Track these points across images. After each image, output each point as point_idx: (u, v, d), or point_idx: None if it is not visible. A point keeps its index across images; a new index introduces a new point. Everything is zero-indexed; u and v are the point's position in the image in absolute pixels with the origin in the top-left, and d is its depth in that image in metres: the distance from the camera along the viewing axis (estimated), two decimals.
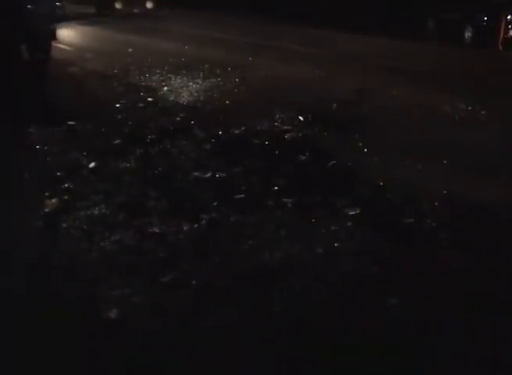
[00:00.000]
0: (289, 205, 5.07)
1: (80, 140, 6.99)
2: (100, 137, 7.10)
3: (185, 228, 4.63)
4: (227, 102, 8.88)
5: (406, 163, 6.20)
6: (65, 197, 5.26)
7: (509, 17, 15.64)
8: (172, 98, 9.20)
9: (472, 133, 7.36)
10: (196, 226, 4.69)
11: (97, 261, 4.12)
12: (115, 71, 11.63)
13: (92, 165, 6.10)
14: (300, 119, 7.80)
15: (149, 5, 27.00)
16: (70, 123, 7.59)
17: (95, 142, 6.87)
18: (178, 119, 7.89)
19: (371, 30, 17.25)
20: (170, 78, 10.71)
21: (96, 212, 4.97)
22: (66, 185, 5.53)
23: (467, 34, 16.22)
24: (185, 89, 9.80)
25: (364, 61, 12.51)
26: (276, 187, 5.43)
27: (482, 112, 8.27)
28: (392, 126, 7.59)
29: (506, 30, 15.60)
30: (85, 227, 4.65)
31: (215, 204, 5.09)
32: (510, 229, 4.68)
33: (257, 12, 21.97)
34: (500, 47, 15.59)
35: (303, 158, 6.26)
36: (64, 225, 4.69)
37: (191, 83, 10.23)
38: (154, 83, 10.25)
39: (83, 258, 4.14)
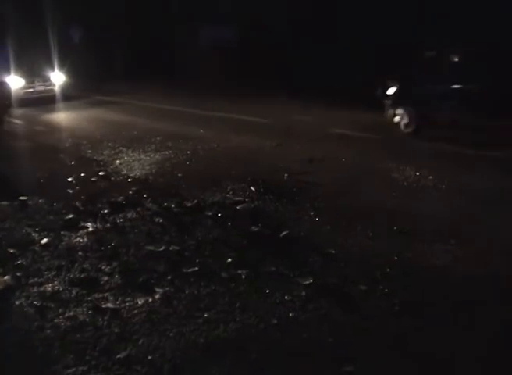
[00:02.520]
0: (243, 276, 5.12)
1: (32, 215, 6.97)
2: (52, 212, 7.10)
3: (139, 302, 4.64)
4: (179, 175, 8.96)
5: (357, 230, 6.32)
6: (18, 273, 5.23)
7: None
8: (124, 171, 9.24)
9: (421, 198, 7.54)
10: (150, 300, 4.70)
11: (51, 338, 4.08)
12: (67, 145, 11.67)
13: (44, 240, 6.09)
14: (251, 190, 7.91)
15: None
16: (22, 198, 7.58)
17: (47, 217, 6.87)
18: (130, 192, 7.92)
19: (319, 98, 17.66)
20: (122, 151, 10.77)
21: (49, 288, 4.95)
22: (19, 261, 5.51)
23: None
24: (137, 162, 9.86)
25: (313, 129, 12.77)
26: (230, 259, 5.48)
27: (430, 177, 8.50)
28: (342, 195, 7.73)
29: None
30: (38, 304, 4.62)
31: (169, 277, 5.11)
32: (458, 293, 4.79)
33: (207, 82, 22.30)
34: None
35: (255, 229, 6.34)
36: (17, 302, 4.65)
37: (143, 156, 10.31)
38: (106, 157, 10.29)
39: (37, 336, 4.10)
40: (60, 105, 18.32)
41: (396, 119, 12.47)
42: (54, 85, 19.38)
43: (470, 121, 10.99)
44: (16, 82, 18.21)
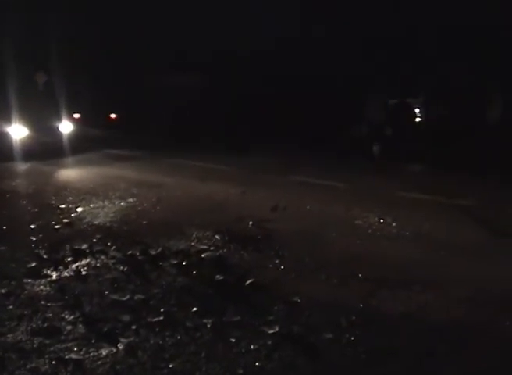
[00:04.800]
0: (208, 325, 5.09)
1: None
2: (14, 260, 6.99)
3: (103, 353, 4.58)
4: (144, 222, 8.93)
5: (322, 278, 6.35)
6: None
7: None
8: (88, 219, 9.18)
9: (385, 245, 7.63)
10: (114, 350, 4.64)
11: None
12: (30, 191, 11.57)
13: (5, 290, 5.99)
14: (216, 238, 7.92)
15: None
16: None
17: (9, 266, 6.77)
18: (94, 240, 7.86)
19: (287, 144, 17.87)
20: (86, 198, 10.71)
21: (10, 338, 4.86)
22: None
23: (375, 147, 16.92)
24: (101, 209, 9.81)
25: (279, 176, 12.89)
26: (195, 308, 5.45)
27: (394, 225, 8.62)
28: (306, 242, 7.77)
29: None
30: None
31: (134, 327, 5.06)
32: (423, 341, 4.83)
33: (172, 130, 22.40)
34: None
35: (220, 277, 6.33)
36: None
37: (107, 204, 10.27)
38: (69, 204, 10.22)
39: None
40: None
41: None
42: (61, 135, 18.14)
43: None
44: (19, 132, 16.98)
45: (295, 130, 19.09)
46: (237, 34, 22.25)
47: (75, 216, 9.36)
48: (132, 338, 4.85)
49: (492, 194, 10.65)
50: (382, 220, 8.81)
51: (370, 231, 8.35)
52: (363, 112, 17.28)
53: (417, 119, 17.55)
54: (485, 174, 12.63)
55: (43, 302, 5.68)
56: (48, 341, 4.79)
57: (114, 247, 7.54)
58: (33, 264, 6.83)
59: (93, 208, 9.98)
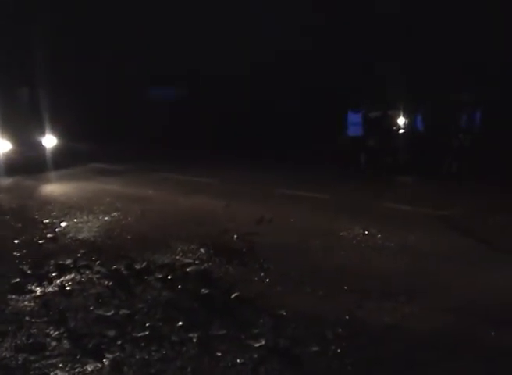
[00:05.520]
0: (194, 339, 5.09)
1: None
2: None
3: (89, 369, 4.56)
4: (128, 237, 8.91)
5: (307, 291, 6.36)
6: None
7: None
8: (72, 233, 9.14)
9: (370, 257, 7.66)
10: (100, 366, 4.62)
11: None
12: (13, 206, 11.49)
13: None
14: (201, 252, 7.91)
15: None
16: None
17: None
18: (78, 255, 7.83)
19: (270, 157, 17.88)
20: (70, 213, 10.66)
21: None
22: None
23: (363, 158, 17.00)
24: (85, 224, 9.77)
25: (263, 189, 12.90)
26: (180, 322, 5.45)
27: (379, 236, 8.64)
28: (291, 255, 7.78)
29: None
30: None
31: (119, 342, 5.05)
32: (409, 351, 4.85)
33: (157, 144, 22.35)
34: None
35: (206, 291, 6.32)
36: None
37: (92, 218, 10.22)
38: (53, 219, 10.16)
39: None
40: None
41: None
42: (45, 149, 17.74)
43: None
44: (2, 146, 16.54)
45: (279, 143, 19.11)
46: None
47: (59, 231, 9.31)
48: (117, 353, 4.83)
49: (476, 205, 10.70)
50: (366, 232, 8.85)
51: (355, 242, 8.38)
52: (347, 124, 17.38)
53: (401, 131, 17.61)
54: (470, 184, 12.74)
55: (27, 318, 5.65)
56: (32, 358, 4.77)
57: (98, 261, 7.52)
58: (17, 280, 6.80)
59: (77, 222, 9.93)
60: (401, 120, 17.45)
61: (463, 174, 13.82)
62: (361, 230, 8.93)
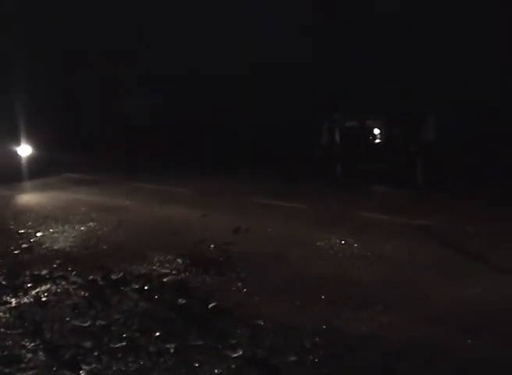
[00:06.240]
0: (171, 350, 5.06)
1: None
2: None
3: None
4: (104, 247, 8.86)
5: (285, 301, 6.36)
6: None
7: None
8: (47, 244, 9.07)
9: (347, 266, 7.67)
10: None
11: None
12: None
13: None
14: (178, 262, 7.89)
15: None
16: None
17: None
18: (54, 265, 7.77)
19: (248, 167, 17.90)
20: (46, 223, 10.59)
21: None
22: None
23: (339, 168, 17.07)
24: (61, 234, 9.71)
25: (239, 198, 12.90)
26: (157, 333, 5.42)
27: (356, 245, 8.67)
28: (268, 264, 7.78)
29: None
30: None
31: (96, 353, 5.00)
32: (386, 361, 4.87)
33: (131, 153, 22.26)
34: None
35: (183, 301, 6.30)
36: None
37: (67, 228, 10.16)
38: (29, 229, 10.09)
39: None
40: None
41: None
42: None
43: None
44: None
45: (256, 152, 19.15)
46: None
47: (34, 241, 9.24)
48: (94, 365, 4.79)
49: (453, 214, 10.79)
50: (343, 241, 8.87)
51: (332, 252, 8.40)
52: (322, 134, 17.49)
53: (377, 141, 17.73)
54: (446, 193, 12.87)
55: (2, 330, 5.59)
56: (7, 370, 4.71)
57: (74, 272, 7.46)
58: None
59: (52, 232, 9.86)
60: (377, 130, 17.56)
61: (432, 184, 14.00)
62: (338, 240, 8.96)
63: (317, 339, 5.28)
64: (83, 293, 6.66)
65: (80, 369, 4.71)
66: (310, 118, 18.60)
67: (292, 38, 21.42)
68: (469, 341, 5.15)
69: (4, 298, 6.47)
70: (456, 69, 18.38)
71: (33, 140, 18.86)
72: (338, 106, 17.67)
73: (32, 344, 5.21)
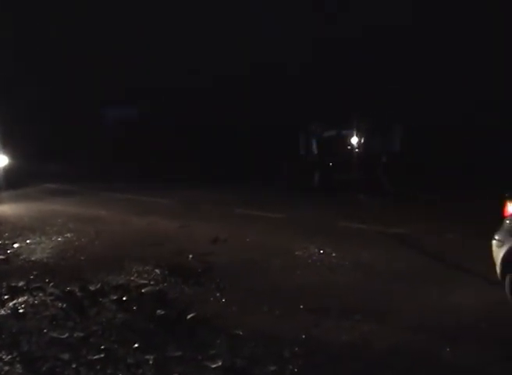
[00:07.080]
0: (150, 361, 5.03)
1: None
2: None
3: None
4: (82, 258, 8.81)
5: (264, 310, 6.35)
6: None
7: None
8: (24, 255, 9.00)
9: (325, 275, 7.70)
10: None
11: None
12: None
13: None
14: (156, 272, 7.86)
15: None
16: None
17: None
18: (31, 277, 7.71)
19: (228, 179, 17.92)
20: (23, 234, 10.51)
21: None
22: None
23: (316, 177, 17.17)
24: (38, 245, 9.64)
25: (219, 209, 12.90)
26: (136, 344, 5.38)
27: (333, 255, 8.70)
28: (247, 274, 7.79)
29: None
30: None
31: (74, 365, 4.96)
32: (367, 369, 4.88)
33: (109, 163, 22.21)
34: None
35: (161, 312, 6.28)
36: None
37: (44, 239, 10.09)
38: (5, 240, 10.01)
39: None
40: None
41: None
42: None
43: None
44: None
45: (235, 165, 19.21)
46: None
47: (11, 252, 9.17)
48: None
49: (428, 222, 10.89)
50: (321, 251, 8.91)
51: (310, 261, 8.42)
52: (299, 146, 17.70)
53: (355, 150, 17.89)
54: (415, 201, 13.01)
55: None
56: None
57: (52, 283, 7.41)
58: None
59: (30, 243, 9.79)
60: (354, 140, 17.73)
61: (401, 192, 14.21)
62: (316, 250, 8.99)
63: (296, 348, 5.28)
64: (60, 304, 6.61)
65: None
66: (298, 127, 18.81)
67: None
68: (448, 348, 5.18)
69: None
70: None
71: (10, 150, 18.75)
72: (316, 116, 17.80)
73: (9, 357, 5.15)
